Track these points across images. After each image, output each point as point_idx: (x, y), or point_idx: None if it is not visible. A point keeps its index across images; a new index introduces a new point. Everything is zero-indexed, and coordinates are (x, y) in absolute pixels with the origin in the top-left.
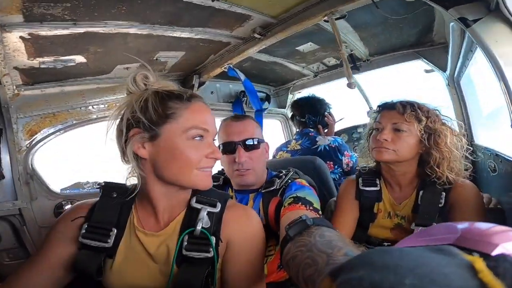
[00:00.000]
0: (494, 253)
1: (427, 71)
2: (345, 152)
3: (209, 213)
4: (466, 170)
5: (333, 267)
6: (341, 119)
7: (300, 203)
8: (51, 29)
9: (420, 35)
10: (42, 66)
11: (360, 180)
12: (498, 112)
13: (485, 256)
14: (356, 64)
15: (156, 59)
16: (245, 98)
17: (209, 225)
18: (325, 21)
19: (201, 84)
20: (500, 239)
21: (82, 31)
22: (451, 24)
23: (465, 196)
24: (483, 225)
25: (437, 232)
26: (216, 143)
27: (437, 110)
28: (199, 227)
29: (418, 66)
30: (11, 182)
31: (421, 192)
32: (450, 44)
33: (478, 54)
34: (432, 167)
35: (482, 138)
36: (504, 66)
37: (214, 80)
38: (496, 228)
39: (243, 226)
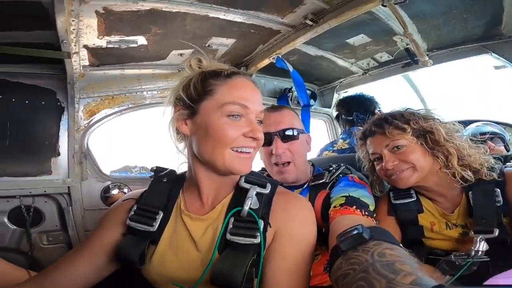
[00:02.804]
0: None
1: (497, 67)
2: None
3: (258, 194)
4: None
5: None
6: None
7: (354, 206)
8: (123, 2)
9: (487, 27)
10: (109, 45)
11: (391, 194)
12: None
13: None
14: (415, 59)
15: (209, 45)
16: (291, 94)
17: (257, 206)
18: (382, 5)
19: None
20: None
21: (148, 8)
22: None
23: None
24: None
25: None
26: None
27: (409, 109)
28: (246, 207)
29: (484, 61)
30: (65, 160)
31: (470, 194)
32: None
33: None
34: (442, 168)
35: None
36: None
37: (259, 75)
38: None
39: (293, 215)
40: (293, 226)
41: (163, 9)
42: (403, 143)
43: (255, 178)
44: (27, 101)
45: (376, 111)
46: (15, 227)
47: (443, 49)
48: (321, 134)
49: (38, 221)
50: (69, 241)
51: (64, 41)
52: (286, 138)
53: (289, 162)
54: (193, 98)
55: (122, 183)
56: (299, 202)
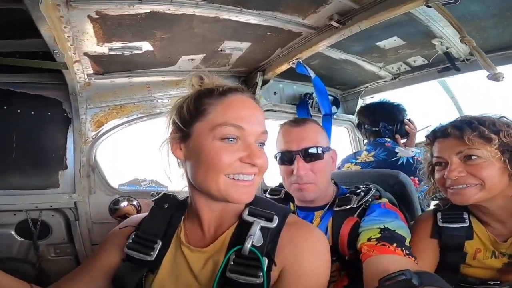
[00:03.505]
0: None
1: None
2: None
3: (263, 229)
4: None
5: None
6: (426, 127)
7: (395, 243)
8: (117, 6)
9: None
10: (111, 52)
11: (439, 215)
12: None
13: None
14: (456, 64)
15: (221, 50)
16: (311, 101)
17: (261, 243)
18: (426, 5)
19: (264, 82)
20: None
21: (148, 11)
22: None
23: None
24: None
25: None
26: (273, 150)
27: (504, 117)
28: (248, 245)
29: None
30: (72, 173)
31: None
32: None
33: None
34: None
35: None
36: None
37: (277, 79)
38: None
39: (302, 250)
40: (302, 263)
41: (166, 12)
42: (481, 155)
43: (260, 210)
44: (33, 112)
45: (406, 119)
46: (22, 239)
47: (489, 53)
48: (342, 142)
49: (45, 234)
50: (76, 253)
51: (56, 51)
52: (309, 157)
53: (310, 183)
54: (185, 120)
55: (131, 196)
56: (310, 235)
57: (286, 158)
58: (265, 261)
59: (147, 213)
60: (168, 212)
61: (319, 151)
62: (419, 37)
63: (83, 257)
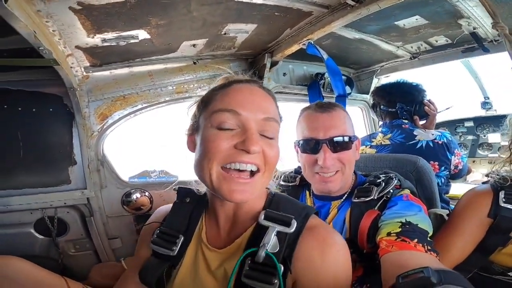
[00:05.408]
0: None
1: None
2: (455, 151)
3: (280, 234)
4: None
5: None
6: (448, 108)
7: (416, 239)
8: None
9: None
10: (105, 44)
11: (501, 194)
12: None
13: None
14: (484, 45)
15: (225, 33)
16: (323, 81)
17: (277, 249)
18: None
19: (273, 64)
20: None
21: None
22: None
23: None
24: None
25: None
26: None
27: None
28: (262, 252)
29: None
30: (81, 169)
31: None
32: None
33: None
34: None
35: None
36: None
37: (287, 60)
38: None
39: (320, 265)
40: (318, 277)
41: None
42: None
43: (277, 214)
44: (34, 109)
45: (425, 100)
46: (42, 236)
47: None
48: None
49: (63, 230)
50: (95, 248)
51: (41, 47)
52: (336, 147)
53: (337, 171)
54: (195, 114)
55: (143, 188)
56: (328, 246)
57: (310, 147)
58: (281, 268)
59: (170, 206)
60: (190, 207)
61: (346, 140)
62: (445, 17)
63: (102, 252)
